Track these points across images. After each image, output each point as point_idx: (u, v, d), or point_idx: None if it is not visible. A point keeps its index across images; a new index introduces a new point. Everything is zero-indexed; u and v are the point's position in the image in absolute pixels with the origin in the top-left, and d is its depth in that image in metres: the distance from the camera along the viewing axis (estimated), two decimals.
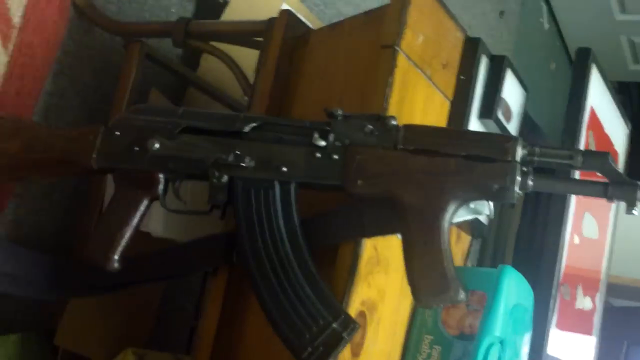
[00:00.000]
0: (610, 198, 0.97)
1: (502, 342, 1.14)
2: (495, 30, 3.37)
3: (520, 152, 0.98)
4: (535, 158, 0.99)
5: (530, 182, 0.98)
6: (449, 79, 1.25)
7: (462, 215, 1.12)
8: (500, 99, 1.27)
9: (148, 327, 1.67)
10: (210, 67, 1.79)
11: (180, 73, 1.73)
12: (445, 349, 1.17)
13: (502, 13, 3.42)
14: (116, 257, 1.08)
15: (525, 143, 0.99)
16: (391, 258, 1.14)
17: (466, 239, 1.37)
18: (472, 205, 1.10)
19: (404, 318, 1.21)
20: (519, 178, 0.97)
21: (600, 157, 0.97)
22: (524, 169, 0.98)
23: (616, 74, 3.98)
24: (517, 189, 0.97)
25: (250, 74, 1.53)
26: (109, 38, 1.68)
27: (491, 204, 1.14)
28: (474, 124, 1.25)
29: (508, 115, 1.31)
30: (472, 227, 1.33)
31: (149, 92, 1.66)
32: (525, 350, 1.21)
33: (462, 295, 0.95)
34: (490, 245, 1.50)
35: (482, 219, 1.29)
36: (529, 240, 1.46)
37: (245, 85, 1.48)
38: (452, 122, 1.23)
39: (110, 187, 1.36)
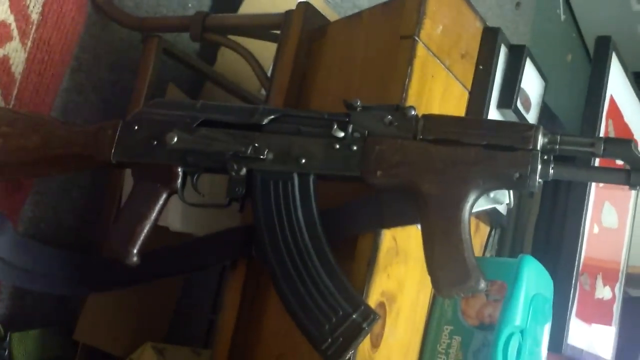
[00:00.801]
0: (633, 185, 0.96)
1: (522, 332, 1.14)
2: (511, 22, 3.36)
3: (541, 140, 0.98)
4: (557, 146, 0.98)
5: (551, 171, 0.98)
6: (468, 69, 1.24)
7: (482, 205, 1.12)
8: (520, 88, 1.26)
9: (166, 322, 1.67)
10: (228, 61, 1.79)
11: (197, 67, 1.73)
12: (465, 339, 1.17)
13: (518, 4, 3.40)
14: (135, 251, 1.08)
15: (546, 131, 0.99)
16: (410, 249, 1.13)
17: (485, 229, 1.36)
18: (492, 194, 1.10)
19: (423, 309, 1.21)
20: (540, 166, 0.97)
21: (623, 144, 0.97)
22: (545, 157, 0.98)
23: (633, 64, 3.95)
24: (538, 177, 0.97)
25: (267, 66, 1.53)
26: (127, 33, 1.68)
27: (511, 193, 1.13)
28: (493, 114, 1.24)
29: (527, 105, 1.31)
30: (491, 217, 1.32)
31: (166, 87, 1.66)
32: (545, 339, 1.21)
33: (482, 284, 0.95)
34: (509, 235, 1.49)
35: (501, 208, 1.29)
36: (548, 230, 1.46)
37: (263, 78, 1.48)
38: (471, 112, 1.22)
39: (128, 181, 1.37)
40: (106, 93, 1.66)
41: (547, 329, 1.21)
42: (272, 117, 1.07)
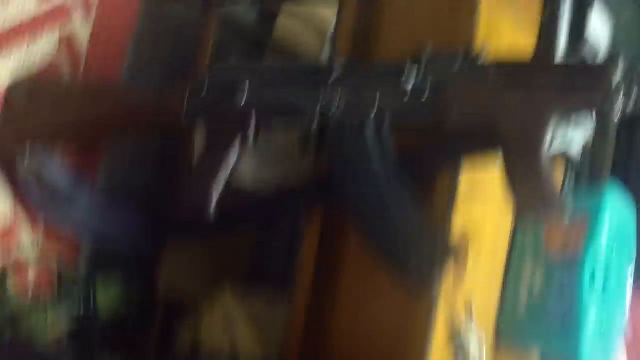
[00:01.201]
0: None
1: (605, 268, 1.12)
2: None
3: (616, 78, 0.96)
4: (634, 82, 0.96)
5: (629, 106, 0.96)
6: (534, 16, 1.22)
7: (558, 148, 1.11)
8: (588, 32, 1.25)
9: (244, 270, 1.67)
10: (287, 29, 1.79)
11: (256, 38, 1.73)
12: (547, 274, 1.16)
13: None
14: (211, 206, 1.10)
15: (621, 68, 0.97)
16: (489, 186, 1.13)
17: (559, 171, 1.34)
18: (568, 135, 1.09)
19: (504, 245, 1.21)
20: (616, 104, 0.95)
21: None
22: (623, 92, 0.96)
23: None
24: (615, 115, 0.95)
25: (328, 30, 1.53)
26: (184, 10, 1.69)
27: (586, 133, 1.12)
28: (563, 58, 1.22)
29: (596, 49, 1.29)
30: (566, 160, 1.31)
31: (227, 59, 1.66)
32: (629, 279, 1.19)
33: (566, 209, 0.95)
34: (585, 178, 1.47)
35: (576, 151, 1.27)
36: (626, 173, 1.43)
37: (325, 42, 1.48)
38: (541, 56, 1.20)
39: (198, 142, 1.38)
40: (168, 69, 1.66)
41: (630, 269, 1.19)
42: (339, 71, 1.07)
